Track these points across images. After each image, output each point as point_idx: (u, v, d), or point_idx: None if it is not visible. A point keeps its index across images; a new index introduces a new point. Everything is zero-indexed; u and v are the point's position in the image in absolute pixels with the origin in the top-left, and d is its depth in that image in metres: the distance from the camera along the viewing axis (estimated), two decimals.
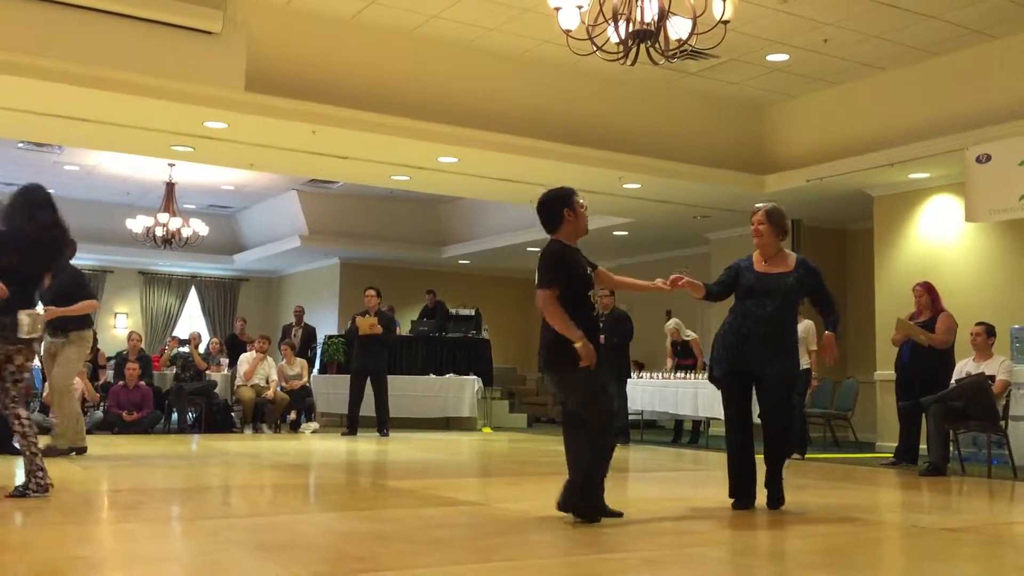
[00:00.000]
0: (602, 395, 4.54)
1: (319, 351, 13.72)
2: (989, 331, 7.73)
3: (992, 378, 7.43)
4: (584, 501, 4.40)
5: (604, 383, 4.61)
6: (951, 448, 7.57)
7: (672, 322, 11.77)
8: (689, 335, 11.50)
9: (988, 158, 8.73)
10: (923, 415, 7.68)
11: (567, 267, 4.52)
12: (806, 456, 8.74)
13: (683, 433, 11.36)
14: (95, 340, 8.58)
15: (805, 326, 8.87)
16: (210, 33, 7.97)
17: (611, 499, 4.56)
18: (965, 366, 7.75)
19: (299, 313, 13.84)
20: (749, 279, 5.24)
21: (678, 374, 10.76)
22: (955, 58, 9.15)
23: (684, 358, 11.31)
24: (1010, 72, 8.74)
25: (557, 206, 4.60)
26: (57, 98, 7.98)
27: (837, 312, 5.40)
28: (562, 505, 4.45)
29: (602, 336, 10.66)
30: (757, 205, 5.36)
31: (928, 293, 8.21)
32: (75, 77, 7.56)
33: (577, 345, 4.39)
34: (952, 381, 7.65)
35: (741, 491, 5.06)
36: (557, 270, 4.49)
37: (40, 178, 6.99)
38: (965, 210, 9.10)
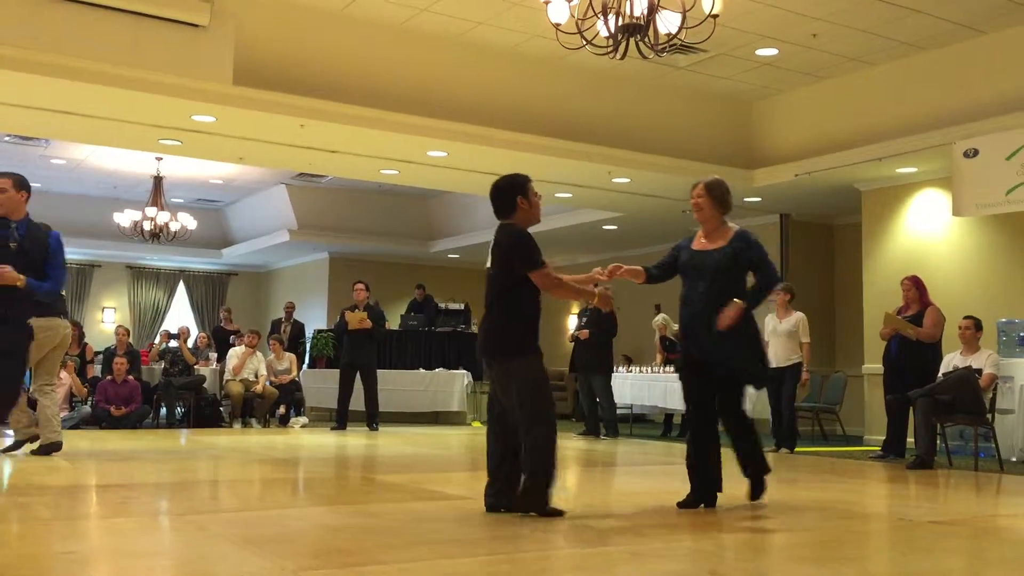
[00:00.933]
0: (548, 382, 4.47)
1: (308, 346, 13.70)
2: (977, 325, 7.78)
3: (979, 371, 7.47)
4: (544, 497, 4.32)
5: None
6: (938, 441, 7.62)
7: (660, 317, 11.75)
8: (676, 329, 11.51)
9: (976, 153, 8.77)
10: (911, 409, 7.72)
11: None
12: (795, 450, 8.77)
13: (673, 427, 11.40)
14: (81, 335, 8.53)
15: (796, 318, 8.90)
16: (198, 26, 7.92)
17: (600, 492, 4.57)
18: (952, 359, 7.80)
19: (289, 309, 13.83)
20: (684, 258, 4.95)
21: (667, 368, 10.76)
22: (943, 53, 9.18)
23: (673, 352, 11.27)
24: (998, 67, 8.77)
25: (511, 193, 4.54)
26: (43, 91, 7.93)
27: (764, 294, 4.91)
28: (520, 506, 4.35)
29: (586, 331, 10.74)
30: (698, 180, 5.05)
31: (916, 287, 8.25)
32: (61, 70, 7.51)
33: (599, 290, 4.55)
34: (939, 375, 7.70)
35: (692, 485, 4.84)
36: (537, 249, 4.43)
37: (26, 171, 6.95)
38: (952, 205, 9.14)
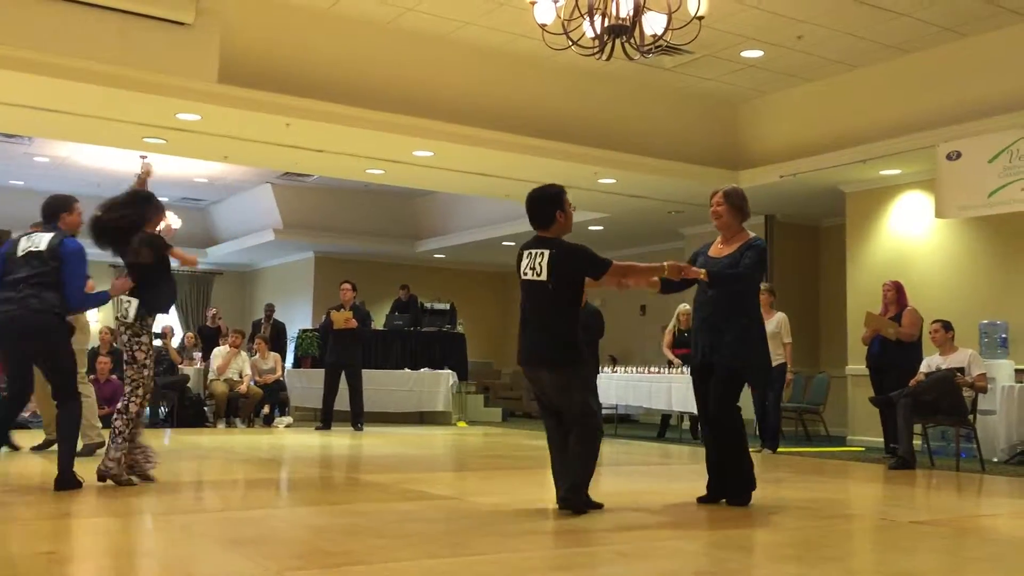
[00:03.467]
0: (596, 392, 4.74)
1: (291, 347, 13.66)
2: (946, 326, 7.83)
3: (960, 370, 7.52)
4: (585, 497, 4.56)
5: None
6: (919, 441, 7.68)
7: (684, 306, 10.70)
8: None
9: (959, 155, 8.83)
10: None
11: None
12: (777, 451, 8.81)
13: (667, 428, 11.33)
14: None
15: (778, 319, 8.93)
16: (183, 24, 7.88)
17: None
18: (932, 361, 7.85)
19: (270, 311, 13.79)
20: (699, 263, 5.10)
21: (676, 369, 10.19)
22: (927, 56, 9.24)
23: (683, 347, 10.37)
24: (981, 70, 8.84)
25: (550, 208, 4.71)
26: (27, 88, 7.87)
27: (725, 280, 4.93)
28: (568, 504, 4.53)
29: None
30: (717, 188, 5.26)
31: (896, 291, 8.48)
32: (45, 67, 7.46)
33: (668, 264, 4.77)
34: (921, 373, 7.75)
35: (708, 484, 5.06)
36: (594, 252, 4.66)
37: (9, 169, 6.90)
38: (935, 207, 9.20)
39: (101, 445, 6.73)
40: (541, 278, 4.57)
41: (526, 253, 4.69)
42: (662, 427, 11.37)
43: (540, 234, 4.73)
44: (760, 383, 4.99)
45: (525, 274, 4.65)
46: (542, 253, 4.61)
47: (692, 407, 9.72)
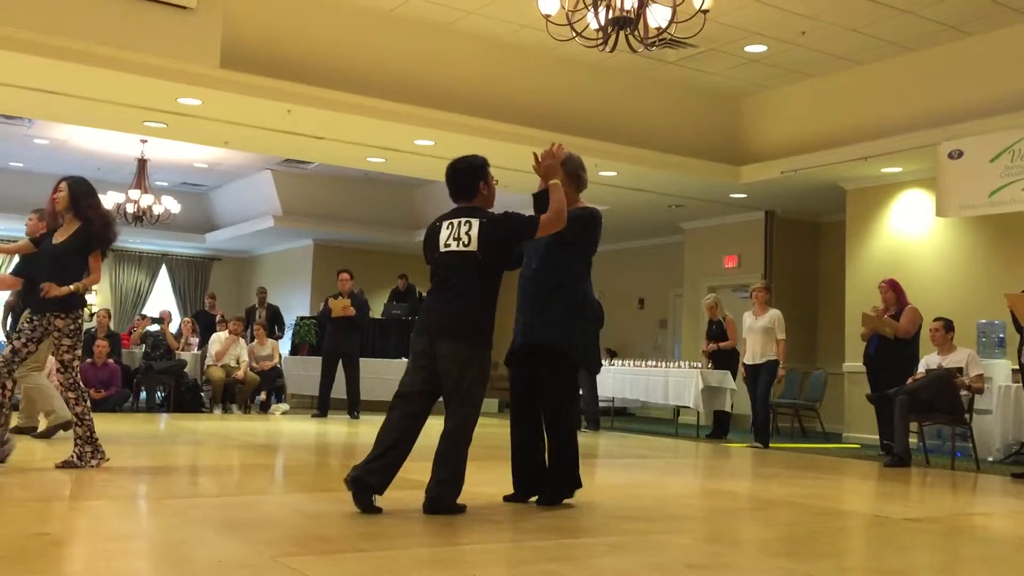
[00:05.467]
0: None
1: (289, 333, 13.64)
2: (947, 326, 7.84)
3: (959, 370, 7.53)
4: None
5: None
6: (915, 439, 7.68)
7: (711, 296, 10.60)
8: (727, 314, 10.29)
9: (960, 154, 8.82)
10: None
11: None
12: (769, 446, 8.83)
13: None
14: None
15: (772, 315, 8.95)
16: (185, 8, 7.86)
17: (581, 486, 4.59)
18: (930, 361, 7.85)
19: (262, 295, 13.78)
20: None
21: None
22: (930, 54, 9.22)
23: (717, 339, 10.15)
24: (984, 69, 8.83)
25: (474, 178, 4.42)
26: (28, 70, 7.84)
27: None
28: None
29: None
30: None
31: (893, 289, 8.43)
32: (47, 49, 7.44)
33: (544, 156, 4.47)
34: (921, 369, 7.75)
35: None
36: (517, 214, 4.33)
37: (8, 151, 6.88)
38: (936, 205, 9.19)
39: (66, 426, 6.66)
40: (470, 248, 4.21)
41: (445, 224, 4.32)
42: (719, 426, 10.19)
43: (462, 205, 4.40)
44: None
45: (448, 245, 4.26)
46: (468, 222, 4.26)
47: (688, 401, 9.82)
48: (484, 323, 4.26)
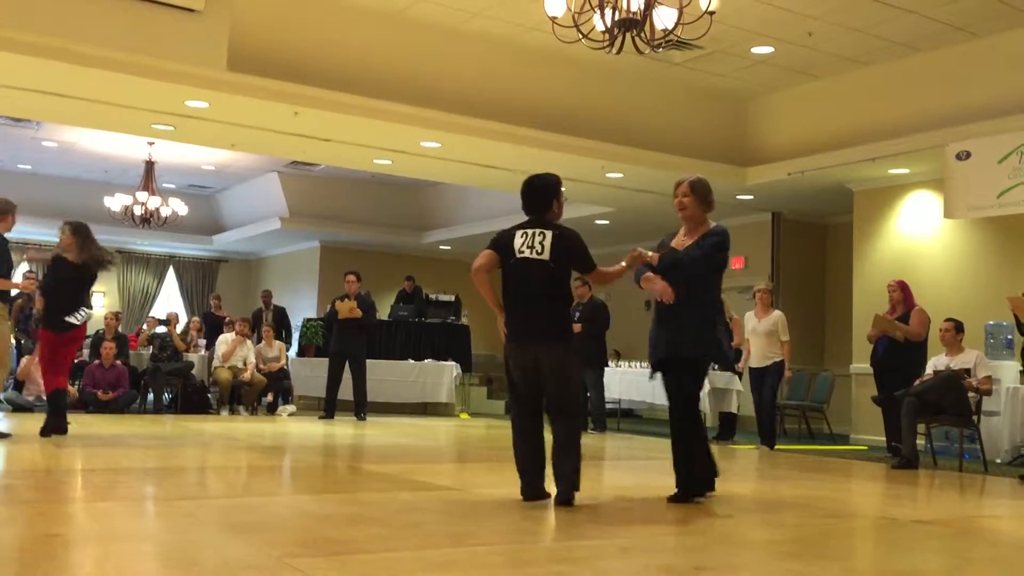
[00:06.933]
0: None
1: (296, 334, 13.66)
2: (958, 327, 7.81)
3: (967, 372, 7.51)
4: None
5: None
6: (922, 441, 7.66)
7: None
8: (733, 315, 10.08)
9: (968, 155, 8.80)
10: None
11: None
12: (775, 448, 8.81)
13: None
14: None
15: (775, 317, 8.92)
16: (193, 11, 7.88)
17: (587, 486, 4.59)
18: (938, 362, 7.83)
19: (267, 297, 13.81)
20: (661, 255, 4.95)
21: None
22: (938, 55, 9.20)
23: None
24: (992, 70, 8.80)
25: (548, 196, 4.73)
26: (36, 73, 7.88)
27: (679, 265, 4.80)
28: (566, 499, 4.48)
29: (579, 325, 10.69)
30: (681, 178, 5.10)
31: (901, 290, 8.36)
32: (55, 52, 7.46)
33: (628, 258, 4.89)
34: (928, 371, 7.73)
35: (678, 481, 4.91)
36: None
37: (17, 153, 6.91)
38: (944, 206, 9.17)
39: None
40: (542, 257, 4.56)
41: (520, 232, 4.64)
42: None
43: (548, 219, 4.73)
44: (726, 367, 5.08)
45: (521, 252, 4.59)
46: (543, 233, 4.60)
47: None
48: (566, 324, 4.71)
